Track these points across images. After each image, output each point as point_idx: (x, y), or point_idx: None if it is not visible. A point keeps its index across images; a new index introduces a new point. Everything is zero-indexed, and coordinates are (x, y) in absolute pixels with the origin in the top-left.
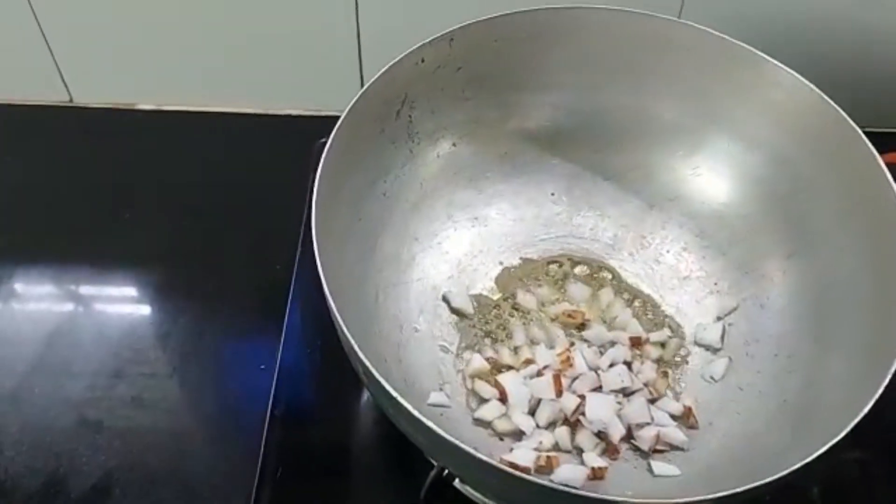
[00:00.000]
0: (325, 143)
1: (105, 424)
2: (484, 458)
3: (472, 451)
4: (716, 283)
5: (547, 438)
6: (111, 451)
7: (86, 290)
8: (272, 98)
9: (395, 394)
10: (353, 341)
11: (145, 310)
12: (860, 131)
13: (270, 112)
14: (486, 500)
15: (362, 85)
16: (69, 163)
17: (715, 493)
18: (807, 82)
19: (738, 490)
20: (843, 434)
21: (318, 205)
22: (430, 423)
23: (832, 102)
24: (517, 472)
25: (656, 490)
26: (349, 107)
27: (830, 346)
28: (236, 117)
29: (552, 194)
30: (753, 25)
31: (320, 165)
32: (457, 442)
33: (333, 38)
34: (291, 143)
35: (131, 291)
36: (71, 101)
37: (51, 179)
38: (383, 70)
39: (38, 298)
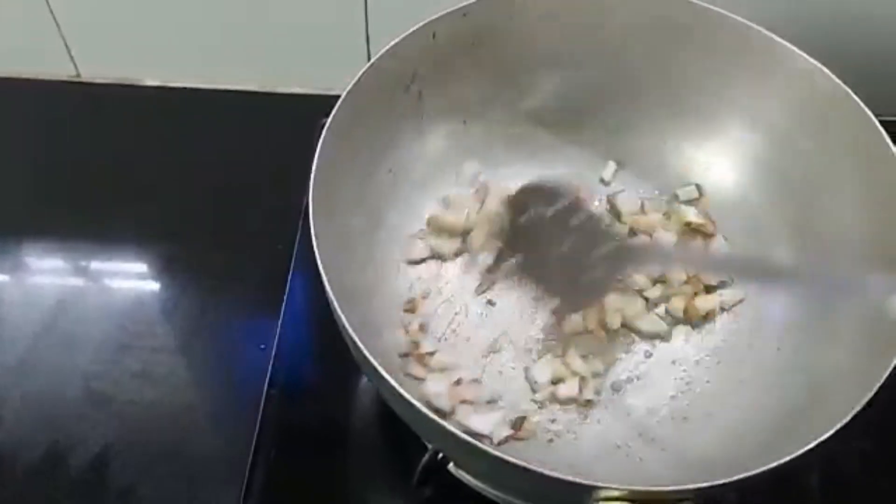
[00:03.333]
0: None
1: (105, 400)
2: (475, 442)
3: (462, 434)
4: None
5: None
6: (110, 427)
7: (88, 265)
8: (279, 76)
9: (385, 374)
10: (344, 319)
11: (148, 286)
12: (877, 121)
13: (277, 91)
14: (479, 483)
15: None
16: (75, 138)
17: (702, 484)
18: (824, 69)
19: (727, 481)
20: (832, 431)
21: (318, 181)
22: (420, 406)
23: (849, 90)
24: (507, 457)
25: (649, 479)
26: (355, 80)
27: (834, 341)
28: (242, 95)
29: (562, 176)
30: (771, 10)
31: (321, 139)
32: (446, 424)
33: (341, 16)
34: (297, 122)
35: (133, 268)
36: (78, 76)
37: (57, 154)
38: (393, 43)
39: (43, 273)
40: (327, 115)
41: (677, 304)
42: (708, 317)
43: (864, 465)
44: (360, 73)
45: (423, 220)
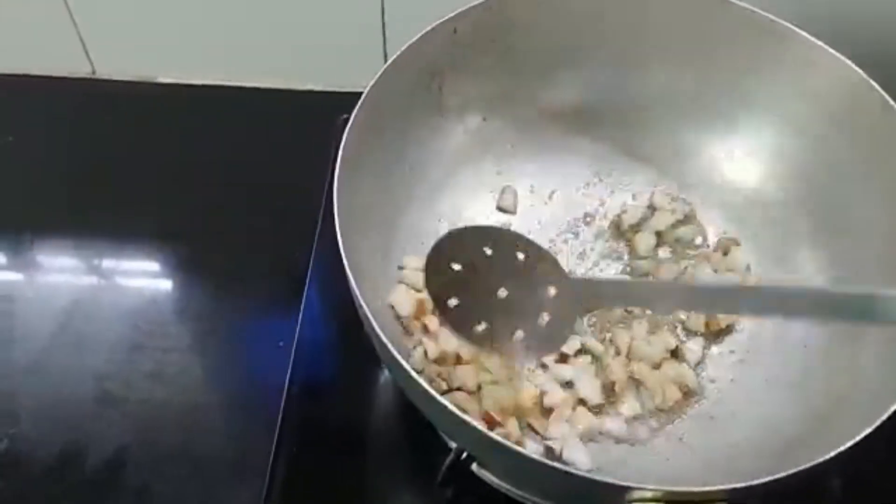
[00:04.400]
0: (347, 118)
1: (122, 399)
2: (500, 439)
3: (487, 431)
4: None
5: None
6: (127, 426)
7: (105, 263)
8: (294, 73)
9: (412, 372)
10: (371, 318)
11: (164, 285)
12: None
13: (292, 87)
14: (502, 483)
15: (385, 61)
16: (92, 135)
17: (736, 484)
18: (847, 61)
19: (755, 483)
20: (866, 432)
21: (341, 178)
22: (445, 402)
23: (874, 83)
24: (539, 458)
25: (676, 478)
26: (377, 76)
27: (860, 340)
28: (257, 92)
29: (582, 174)
30: (790, 1)
31: (344, 136)
32: (471, 420)
33: (357, 13)
34: (313, 118)
35: (150, 266)
36: (94, 73)
37: (73, 151)
38: (414, 39)
39: (58, 271)
40: (344, 112)
41: (696, 320)
42: (727, 329)
43: (886, 467)
44: (383, 69)
45: (441, 217)
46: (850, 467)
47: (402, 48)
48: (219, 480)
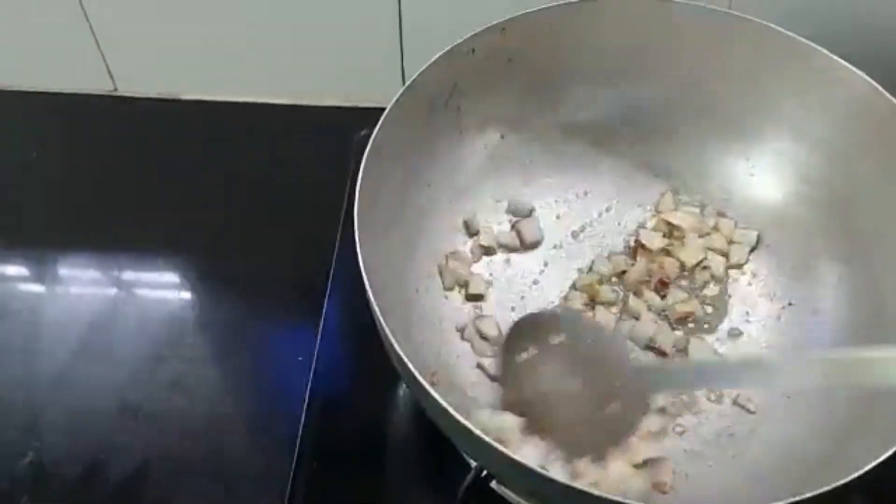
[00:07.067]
0: (366, 135)
1: (143, 413)
2: (522, 461)
3: (508, 452)
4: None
5: None
6: (149, 439)
7: (127, 277)
8: (312, 90)
9: (434, 394)
10: (392, 339)
11: (185, 298)
12: None
13: (312, 103)
14: (523, 501)
15: (403, 77)
16: (113, 152)
17: None
18: (867, 78)
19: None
20: (890, 452)
21: (362, 194)
22: (467, 423)
23: (893, 99)
24: (555, 476)
25: (694, 495)
26: (398, 96)
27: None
28: (277, 108)
29: (601, 189)
30: (808, 17)
31: (365, 154)
32: (498, 446)
33: (375, 30)
34: (332, 134)
35: (171, 280)
36: (116, 90)
37: (95, 168)
38: (433, 59)
39: (81, 286)
40: (361, 129)
41: None
42: None
43: None
44: (402, 89)
45: (459, 233)
46: (874, 485)
47: (421, 69)
48: (240, 493)
